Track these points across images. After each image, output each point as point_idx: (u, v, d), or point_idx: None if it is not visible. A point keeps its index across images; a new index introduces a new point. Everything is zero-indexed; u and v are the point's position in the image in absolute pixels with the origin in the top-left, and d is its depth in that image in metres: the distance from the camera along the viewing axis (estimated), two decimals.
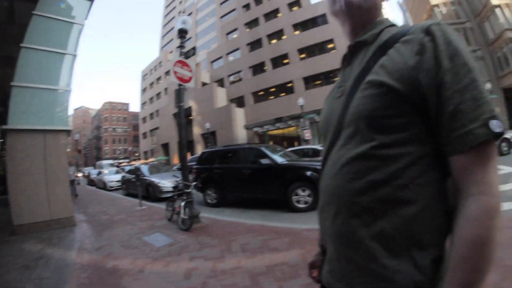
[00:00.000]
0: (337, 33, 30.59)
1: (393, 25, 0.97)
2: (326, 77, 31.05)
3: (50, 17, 8.43)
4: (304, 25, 34.78)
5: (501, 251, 3.09)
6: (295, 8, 36.80)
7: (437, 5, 35.83)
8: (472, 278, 0.67)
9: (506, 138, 13.66)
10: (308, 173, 7.43)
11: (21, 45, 7.77)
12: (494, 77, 30.76)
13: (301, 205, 7.54)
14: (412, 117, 0.77)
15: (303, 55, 33.97)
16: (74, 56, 8.74)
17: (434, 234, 0.77)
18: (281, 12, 37.95)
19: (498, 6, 29.54)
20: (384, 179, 0.77)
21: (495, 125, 0.70)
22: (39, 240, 6.57)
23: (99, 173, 23.53)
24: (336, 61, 29.46)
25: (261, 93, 37.39)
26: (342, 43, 30.32)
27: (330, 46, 31.51)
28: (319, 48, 32.61)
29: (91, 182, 25.80)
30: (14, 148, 7.38)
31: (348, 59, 1.02)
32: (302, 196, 7.54)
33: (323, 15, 31.98)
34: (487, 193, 0.69)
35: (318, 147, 13.99)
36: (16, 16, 10.51)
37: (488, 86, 26.56)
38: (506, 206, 5.56)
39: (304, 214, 7.17)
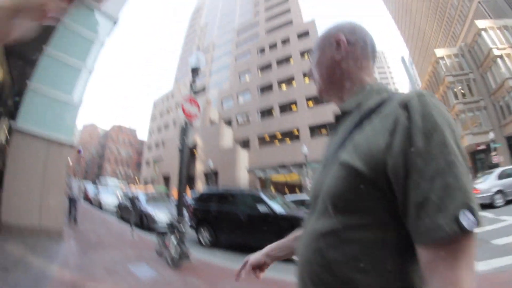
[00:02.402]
0: None
1: (377, 91, 0.91)
2: (332, 128, 30.83)
3: (75, 30, 8.81)
4: None
5: None
6: (307, 58, 37.68)
7: (442, 58, 37.40)
8: None
9: None
10: None
11: (45, 48, 8.00)
12: (498, 126, 31.27)
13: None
14: (378, 202, 0.73)
15: (311, 104, 34.48)
16: (91, 72, 9.05)
17: None
18: (293, 60, 39.03)
19: (500, 56, 30.76)
20: (344, 260, 0.74)
21: (467, 219, 0.61)
22: (24, 244, 6.48)
23: (97, 191, 23.46)
24: None
25: (267, 137, 37.66)
26: None
27: None
28: None
29: (86, 198, 25.16)
30: (18, 149, 7.54)
31: (335, 127, 0.99)
32: None
33: None
34: None
35: None
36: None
37: (491, 135, 26.90)
38: (508, 260, 5.29)
39: None
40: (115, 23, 9.77)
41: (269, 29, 47.69)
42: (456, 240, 0.62)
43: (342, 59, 0.95)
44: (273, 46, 43.54)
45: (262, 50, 45.04)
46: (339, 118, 0.96)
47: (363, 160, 0.73)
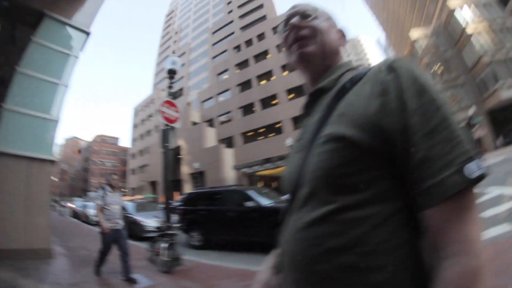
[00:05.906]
0: None
1: (353, 68, 0.92)
2: (306, 110, 31.13)
3: (47, 46, 8.53)
4: None
5: (501, 279, 3.10)
6: (283, 50, 37.50)
7: (416, 40, 38.07)
8: None
9: None
10: None
11: (17, 68, 7.82)
12: (478, 101, 31.63)
13: None
14: (378, 172, 0.68)
15: (291, 96, 34.52)
16: (67, 87, 8.80)
17: None
18: (270, 54, 39.01)
19: (472, 34, 31.13)
20: (346, 246, 0.67)
21: (472, 169, 0.60)
22: (13, 268, 6.27)
23: (84, 205, 23.03)
24: None
25: (251, 133, 37.63)
26: None
27: None
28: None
29: (75, 214, 24.87)
30: None
31: (308, 108, 0.95)
32: None
33: None
34: (467, 253, 0.59)
35: None
36: (17, 40, 10.84)
37: (472, 110, 27.37)
38: (498, 229, 5.30)
39: None
40: (87, 35, 9.52)
41: (244, 26, 47.44)
42: (463, 192, 0.60)
43: (341, 47, 0.99)
44: (248, 42, 43.35)
45: (238, 47, 44.82)
46: (313, 98, 0.93)
47: (356, 127, 0.69)
